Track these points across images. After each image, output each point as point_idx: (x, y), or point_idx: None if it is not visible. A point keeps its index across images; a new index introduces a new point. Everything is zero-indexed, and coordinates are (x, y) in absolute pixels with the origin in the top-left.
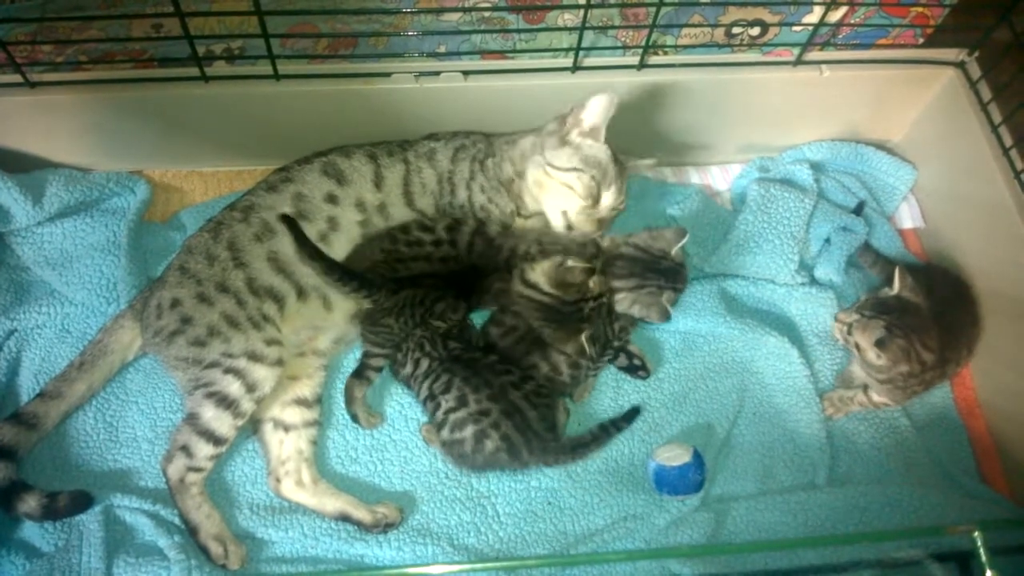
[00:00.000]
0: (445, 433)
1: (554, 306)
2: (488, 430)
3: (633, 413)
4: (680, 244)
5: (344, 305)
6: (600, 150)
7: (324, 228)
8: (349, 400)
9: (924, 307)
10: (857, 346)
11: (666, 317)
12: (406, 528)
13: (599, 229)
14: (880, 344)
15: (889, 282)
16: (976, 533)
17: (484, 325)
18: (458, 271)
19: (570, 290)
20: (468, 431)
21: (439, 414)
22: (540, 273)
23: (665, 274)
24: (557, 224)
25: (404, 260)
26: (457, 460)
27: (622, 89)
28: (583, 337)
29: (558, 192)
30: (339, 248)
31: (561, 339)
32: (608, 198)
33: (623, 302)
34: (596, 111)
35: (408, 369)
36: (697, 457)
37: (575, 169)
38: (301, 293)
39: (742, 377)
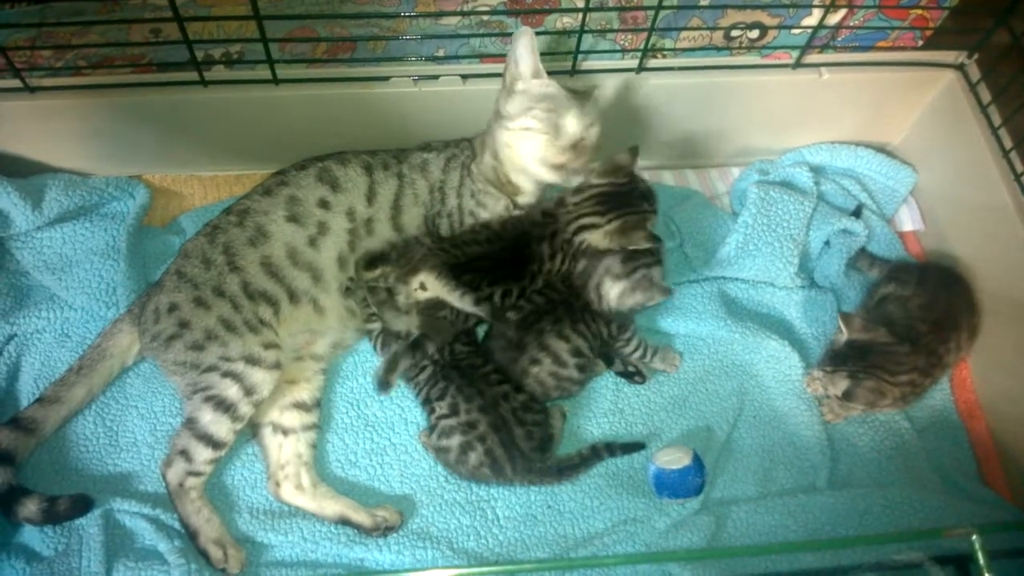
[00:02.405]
0: (435, 438)
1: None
2: (474, 442)
3: (633, 447)
4: (636, 161)
5: (336, 310)
6: (544, 85)
7: (314, 232)
8: (391, 368)
9: (879, 337)
10: (838, 399)
11: (668, 293)
12: (406, 532)
13: (580, 161)
14: (847, 396)
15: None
16: (974, 536)
17: (483, 341)
18: (504, 248)
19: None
20: (455, 440)
21: (432, 418)
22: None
23: (646, 197)
24: (539, 174)
25: (459, 245)
26: (445, 467)
27: (621, 92)
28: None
29: (523, 141)
30: (326, 253)
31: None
32: (571, 124)
33: (623, 297)
34: (524, 52)
35: (411, 373)
36: (697, 460)
37: (527, 109)
38: (292, 297)
39: (742, 380)
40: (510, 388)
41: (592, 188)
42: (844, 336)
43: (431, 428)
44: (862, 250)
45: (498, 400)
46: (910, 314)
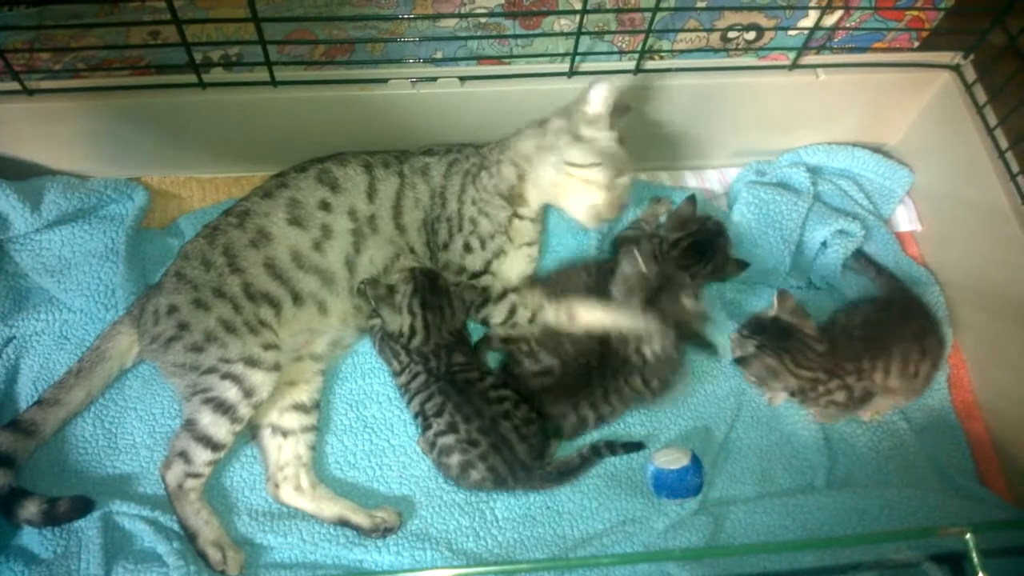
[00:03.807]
0: (434, 455)
1: None
2: (475, 461)
3: (634, 446)
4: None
5: (340, 309)
6: (609, 139)
7: (318, 236)
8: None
9: (805, 327)
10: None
11: (706, 318)
12: (405, 533)
13: (623, 209)
14: (742, 361)
15: (884, 286)
16: (968, 535)
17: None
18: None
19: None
20: (455, 459)
21: (429, 434)
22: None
23: (719, 232)
24: (585, 220)
25: None
26: (446, 479)
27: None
28: None
29: (580, 189)
30: (333, 256)
31: None
32: (626, 185)
33: (667, 344)
34: (599, 100)
35: (404, 379)
36: (695, 460)
37: (594, 164)
38: (297, 299)
39: (740, 381)
40: (511, 405)
41: (677, 245)
42: (773, 312)
43: (430, 445)
44: (858, 251)
45: (498, 419)
46: (851, 323)
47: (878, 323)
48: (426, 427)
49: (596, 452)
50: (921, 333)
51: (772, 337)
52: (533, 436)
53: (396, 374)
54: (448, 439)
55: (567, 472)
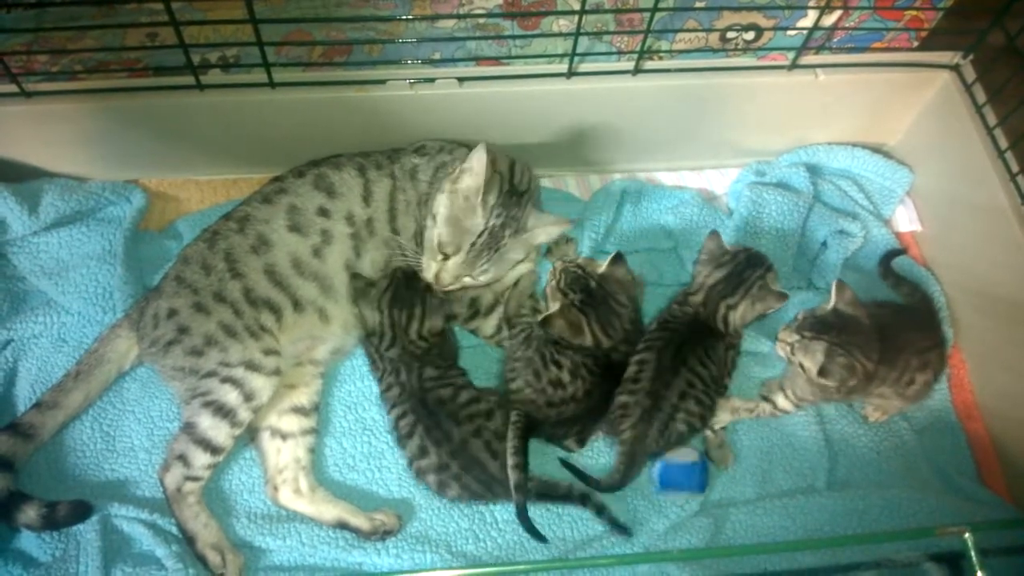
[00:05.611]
0: (413, 474)
1: None
2: (449, 481)
3: (620, 528)
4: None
5: (341, 317)
6: (469, 215)
7: (318, 242)
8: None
9: (863, 317)
10: (802, 366)
11: (783, 298)
12: (404, 535)
13: (441, 284)
14: (823, 371)
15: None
16: (967, 535)
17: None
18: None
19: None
20: (431, 479)
21: (405, 454)
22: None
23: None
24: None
25: (555, 404)
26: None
27: (618, 94)
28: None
29: (427, 220)
30: (333, 262)
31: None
32: (450, 266)
33: (746, 315)
34: (479, 169)
35: (382, 387)
36: (703, 459)
37: (433, 218)
38: (297, 305)
39: (739, 382)
40: (482, 421)
41: (711, 277)
42: (831, 305)
43: (408, 462)
44: (887, 268)
45: (468, 439)
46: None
47: (891, 327)
48: (400, 447)
49: (582, 501)
50: (929, 347)
51: (837, 333)
52: (505, 451)
53: (378, 380)
54: (421, 463)
55: (546, 495)
